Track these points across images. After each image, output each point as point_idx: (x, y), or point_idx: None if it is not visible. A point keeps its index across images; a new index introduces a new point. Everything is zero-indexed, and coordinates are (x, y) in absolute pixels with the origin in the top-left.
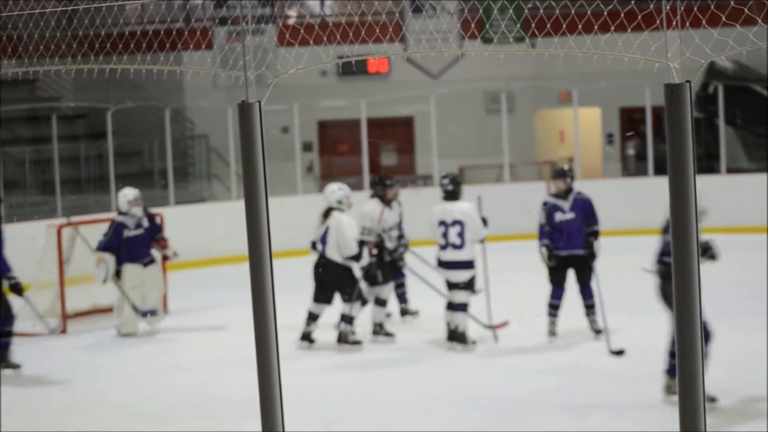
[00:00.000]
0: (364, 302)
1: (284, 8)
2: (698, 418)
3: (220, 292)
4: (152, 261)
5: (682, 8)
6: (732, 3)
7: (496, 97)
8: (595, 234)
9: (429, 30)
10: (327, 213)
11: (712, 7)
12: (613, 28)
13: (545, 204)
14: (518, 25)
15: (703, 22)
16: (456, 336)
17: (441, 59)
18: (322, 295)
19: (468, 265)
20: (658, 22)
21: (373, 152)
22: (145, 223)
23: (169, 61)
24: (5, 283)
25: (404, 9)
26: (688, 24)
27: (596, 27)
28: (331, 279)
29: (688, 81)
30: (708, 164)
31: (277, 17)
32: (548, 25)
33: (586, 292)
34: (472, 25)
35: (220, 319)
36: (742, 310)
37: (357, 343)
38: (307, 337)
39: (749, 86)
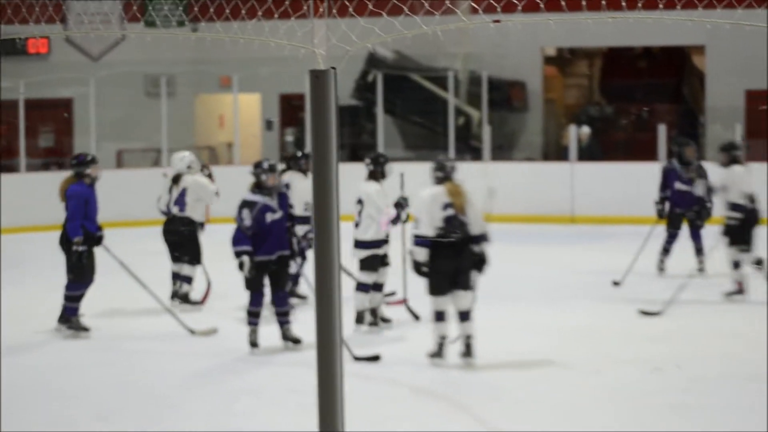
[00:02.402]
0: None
1: None
2: (336, 417)
3: None
4: None
5: None
6: None
7: (157, 81)
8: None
9: (91, 11)
10: (177, 179)
11: None
12: (261, 14)
13: (253, 204)
14: (180, 9)
15: (350, 10)
16: (360, 318)
17: (102, 41)
18: (174, 256)
19: (368, 244)
20: (305, 9)
21: (31, 134)
22: None
23: None
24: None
25: None
26: (335, 11)
27: (245, 12)
28: (178, 239)
29: (333, 67)
30: (366, 152)
31: None
32: (211, 10)
33: (283, 298)
34: (135, 8)
35: None
36: None
37: (197, 303)
38: (183, 298)
39: (408, 75)
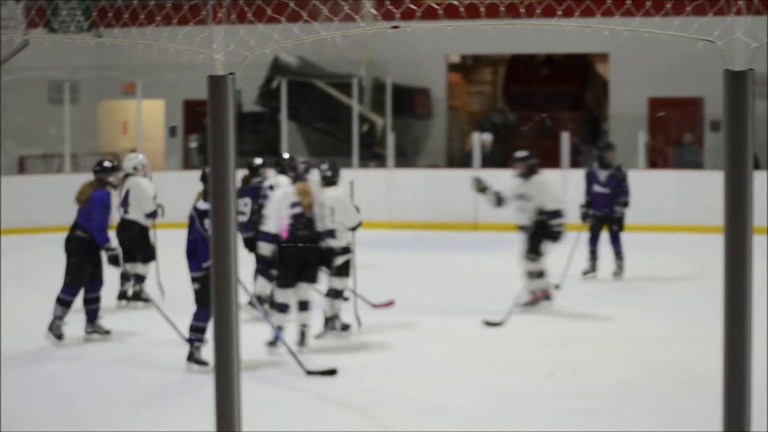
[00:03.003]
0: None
1: None
2: (233, 418)
3: None
4: None
5: (228, 2)
6: None
7: (60, 87)
8: None
9: None
10: (124, 179)
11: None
12: (160, 19)
13: (206, 213)
14: (83, 15)
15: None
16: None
17: (4, 46)
18: (128, 255)
19: (343, 251)
20: (203, 14)
21: None
22: None
23: None
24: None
25: None
26: (234, 17)
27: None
28: (130, 239)
29: (231, 73)
30: (274, 160)
31: None
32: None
33: (205, 314)
34: (34, 13)
35: None
36: None
37: (148, 300)
38: (135, 295)
39: (312, 82)
